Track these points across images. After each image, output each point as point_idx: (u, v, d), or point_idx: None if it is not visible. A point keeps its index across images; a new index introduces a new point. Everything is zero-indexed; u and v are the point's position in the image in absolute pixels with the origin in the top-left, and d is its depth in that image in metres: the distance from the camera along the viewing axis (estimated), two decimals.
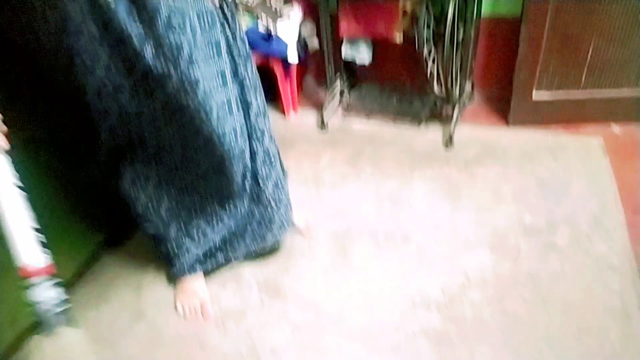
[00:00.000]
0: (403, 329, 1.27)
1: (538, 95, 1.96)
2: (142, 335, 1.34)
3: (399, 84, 2.33)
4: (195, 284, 1.41)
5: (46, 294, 0.89)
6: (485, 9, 2.02)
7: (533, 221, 1.55)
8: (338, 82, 2.27)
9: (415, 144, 2.01)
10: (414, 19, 1.90)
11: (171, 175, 1.22)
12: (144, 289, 1.48)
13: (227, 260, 1.43)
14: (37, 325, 0.91)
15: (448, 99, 2.02)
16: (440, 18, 1.88)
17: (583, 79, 1.92)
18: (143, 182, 1.23)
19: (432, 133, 2.06)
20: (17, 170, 0.90)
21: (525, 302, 1.30)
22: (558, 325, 1.23)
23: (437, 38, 1.91)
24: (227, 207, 1.29)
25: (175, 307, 1.40)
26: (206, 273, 1.44)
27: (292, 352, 1.25)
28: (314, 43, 2.22)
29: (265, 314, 1.35)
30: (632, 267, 1.36)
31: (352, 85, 2.36)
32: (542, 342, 1.19)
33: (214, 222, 1.31)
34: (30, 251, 0.88)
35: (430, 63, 1.93)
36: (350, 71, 2.32)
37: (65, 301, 0.92)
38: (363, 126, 2.17)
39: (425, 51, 1.88)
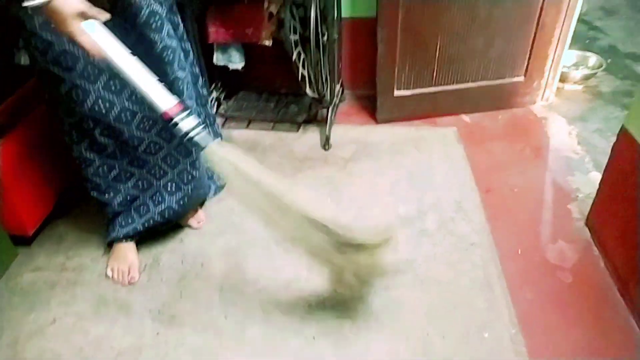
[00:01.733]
0: (302, 333, 1.33)
1: (399, 92, 2.15)
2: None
3: (275, 89, 2.37)
4: (127, 250, 1.52)
5: (190, 123, 1.08)
6: (345, 11, 2.14)
7: (406, 211, 1.71)
8: (214, 91, 2.23)
9: (296, 148, 2.07)
10: (281, 21, 1.95)
11: (127, 149, 1.37)
12: (21, 344, 1.33)
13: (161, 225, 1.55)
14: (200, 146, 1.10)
15: (321, 101, 2.11)
16: (305, 21, 1.94)
17: (434, 75, 2.14)
18: (98, 148, 1.35)
19: (310, 136, 2.14)
20: None
21: (406, 287, 1.44)
22: (436, 304, 1.39)
23: (304, 41, 1.98)
24: (170, 188, 1.49)
25: (106, 273, 1.51)
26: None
27: None
28: None
29: (163, 346, 1.31)
30: (490, 241, 1.58)
31: (229, 93, 2.34)
32: (425, 323, 1.34)
33: (158, 199, 1.49)
34: (163, 97, 1.06)
35: (300, 66, 1.99)
36: (226, 78, 2.30)
37: (200, 123, 1.10)
38: (243, 134, 2.18)
39: (295, 54, 1.93)
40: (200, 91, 1.54)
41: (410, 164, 1.95)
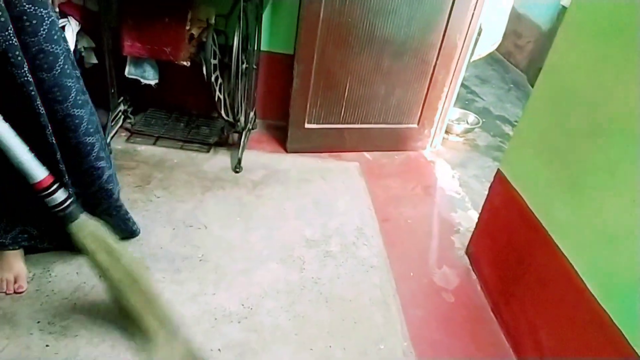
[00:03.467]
0: (207, 346, 1.31)
1: (309, 125, 2.29)
2: None
3: (187, 109, 2.37)
4: (12, 259, 1.38)
5: (60, 196, 1.09)
6: (264, 44, 2.26)
7: (312, 234, 1.80)
8: (121, 104, 2.17)
9: (205, 168, 2.08)
10: (201, 44, 1.99)
11: None
12: None
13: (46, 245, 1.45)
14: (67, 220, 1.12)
15: (234, 125, 2.16)
16: (225, 47, 2.01)
17: (342, 113, 2.32)
18: None
19: (221, 158, 2.17)
20: None
21: (311, 304, 1.51)
22: (339, 320, 1.47)
23: (222, 66, 2.04)
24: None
25: None
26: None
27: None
28: (91, 58, 2.07)
29: (53, 357, 1.20)
30: (387, 264, 1.73)
31: (137, 108, 2.29)
32: (327, 337, 1.41)
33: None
34: (35, 168, 1.05)
35: (217, 90, 2.04)
36: (135, 92, 2.25)
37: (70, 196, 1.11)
38: (150, 150, 2.13)
39: (213, 78, 1.98)
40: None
41: (316, 191, 2.06)
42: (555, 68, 1.42)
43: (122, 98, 2.20)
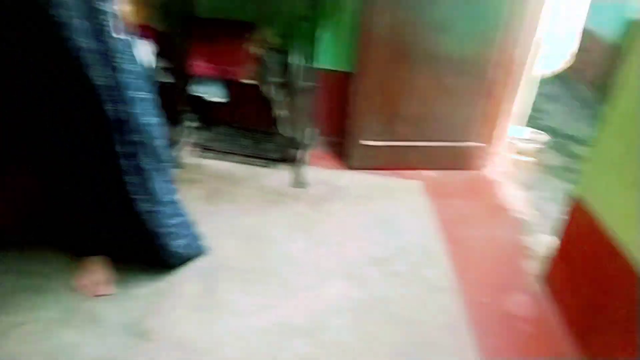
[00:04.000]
0: (275, 358, 1.30)
1: (368, 142, 2.27)
2: None
3: (252, 125, 2.42)
4: (100, 264, 1.46)
5: None
6: (325, 62, 2.27)
7: (377, 252, 1.77)
8: (190, 119, 2.25)
9: (268, 183, 2.10)
10: (262, 63, 2.04)
11: None
12: None
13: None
14: None
15: (295, 142, 2.18)
16: (286, 65, 2.06)
17: (402, 130, 2.28)
18: None
19: (283, 173, 2.19)
20: None
21: (378, 323, 1.47)
22: (405, 340, 1.42)
23: (283, 84, 2.08)
24: None
25: (76, 283, 1.43)
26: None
27: None
28: (165, 77, 2.17)
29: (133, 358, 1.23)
30: (455, 287, 1.66)
31: (207, 124, 2.36)
32: (395, 356, 1.36)
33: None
34: None
35: (277, 108, 2.07)
36: (205, 109, 2.33)
37: None
38: (217, 165, 2.19)
39: (273, 96, 2.01)
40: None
41: (379, 209, 2.03)
42: (630, 84, 1.34)
43: (191, 115, 2.28)
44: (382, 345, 1.39)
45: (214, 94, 2.23)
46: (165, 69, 2.14)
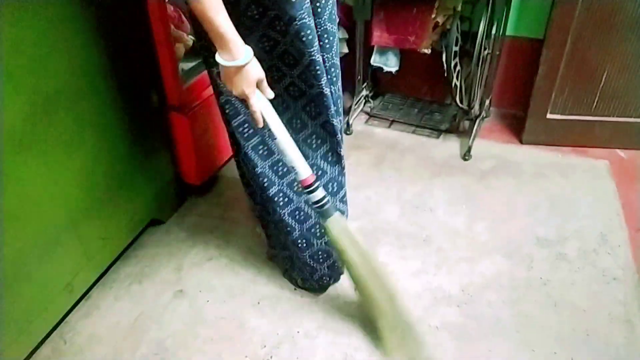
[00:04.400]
0: (426, 322, 1.39)
1: (552, 116, 2.10)
2: (184, 314, 1.44)
3: (421, 95, 2.45)
4: None
5: (319, 194, 1.17)
6: (510, 29, 2.15)
7: (544, 233, 1.68)
8: (364, 89, 2.38)
9: (434, 154, 2.13)
10: (444, 32, 2.02)
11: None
12: (184, 271, 1.57)
13: None
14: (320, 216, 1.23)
15: (468, 112, 2.14)
16: (468, 34, 2.00)
17: (595, 104, 2.05)
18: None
19: (450, 144, 2.18)
20: None
21: (538, 305, 1.43)
22: (568, 327, 1.36)
23: (462, 53, 2.03)
24: None
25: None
26: None
27: (322, 336, 1.36)
28: (343, 48, 2.32)
29: (299, 300, 1.45)
30: (635, 279, 1.50)
31: (376, 93, 2.48)
32: (554, 342, 1.32)
33: None
34: (304, 167, 1.14)
35: (454, 77, 2.04)
36: (376, 78, 2.44)
37: (326, 196, 1.19)
38: (385, 133, 2.29)
39: (452, 65, 1.99)
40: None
41: (553, 189, 1.90)
42: None
43: (365, 84, 2.41)
44: (539, 327, 1.36)
45: (391, 64, 2.31)
46: (345, 40, 2.30)
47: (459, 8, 1.92)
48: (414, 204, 1.83)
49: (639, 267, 1.54)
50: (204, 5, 0.91)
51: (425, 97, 2.47)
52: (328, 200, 1.18)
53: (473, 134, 2.12)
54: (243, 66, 0.99)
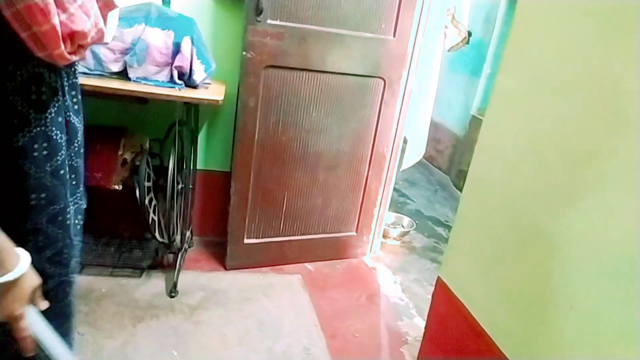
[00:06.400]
0: None
1: (249, 240, 2.25)
2: None
3: (118, 232, 2.26)
4: None
5: None
6: (200, 163, 2.27)
7: None
8: None
9: (137, 296, 1.93)
10: (134, 168, 1.96)
11: None
12: None
13: None
14: None
15: (170, 246, 2.08)
16: (160, 169, 2.00)
17: (281, 226, 2.32)
18: None
19: (155, 282, 2.04)
20: None
21: None
22: None
23: (157, 188, 2.00)
24: None
25: None
26: None
27: None
28: None
29: None
30: None
31: None
32: None
33: None
34: None
35: (151, 211, 1.98)
36: None
37: None
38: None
39: (146, 201, 1.93)
40: None
41: (259, 311, 1.97)
42: (477, 178, 1.53)
43: None
44: None
45: None
46: None
47: (147, 145, 1.92)
48: None
49: None
50: None
51: (123, 234, 2.29)
52: None
53: (177, 268, 2.05)
54: (18, 279, 0.72)
